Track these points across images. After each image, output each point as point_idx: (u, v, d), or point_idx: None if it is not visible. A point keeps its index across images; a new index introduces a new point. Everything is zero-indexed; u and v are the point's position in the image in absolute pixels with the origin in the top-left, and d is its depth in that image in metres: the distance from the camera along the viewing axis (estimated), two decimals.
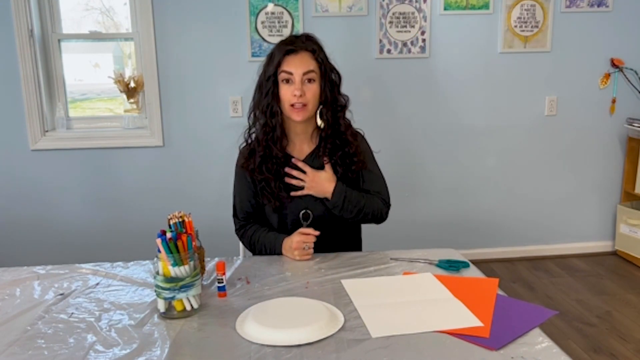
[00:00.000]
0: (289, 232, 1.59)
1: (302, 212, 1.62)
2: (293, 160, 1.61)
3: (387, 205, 1.69)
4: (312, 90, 1.54)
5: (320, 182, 1.58)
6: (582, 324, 2.50)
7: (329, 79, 1.58)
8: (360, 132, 1.71)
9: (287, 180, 1.59)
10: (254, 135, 1.65)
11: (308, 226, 1.59)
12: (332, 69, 1.60)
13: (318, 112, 1.59)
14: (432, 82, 3.10)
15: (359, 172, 1.65)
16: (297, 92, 1.51)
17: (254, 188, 1.64)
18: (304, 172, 1.59)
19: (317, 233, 1.53)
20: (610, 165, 3.31)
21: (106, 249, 3.07)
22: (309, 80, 1.54)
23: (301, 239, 1.52)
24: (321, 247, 1.57)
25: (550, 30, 3.08)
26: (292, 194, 1.60)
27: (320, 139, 1.63)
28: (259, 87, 1.60)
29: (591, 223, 3.37)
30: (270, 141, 1.58)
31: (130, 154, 3.02)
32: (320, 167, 1.61)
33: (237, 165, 1.68)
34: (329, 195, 1.58)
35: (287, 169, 1.59)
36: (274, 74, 1.55)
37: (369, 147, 1.71)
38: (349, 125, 1.65)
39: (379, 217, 1.67)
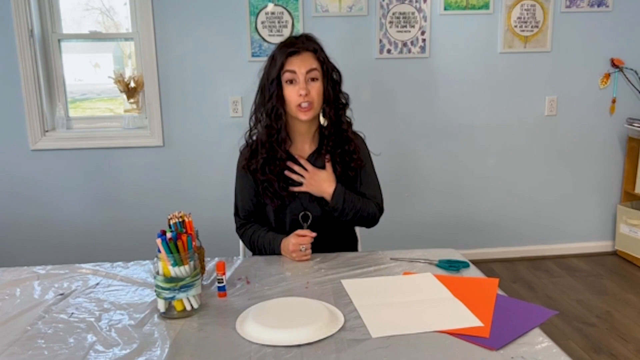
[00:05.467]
0: (287, 233, 1.59)
1: (302, 214, 1.63)
2: (297, 156, 1.62)
3: (381, 210, 1.70)
4: (316, 89, 1.55)
5: (319, 182, 1.59)
6: (582, 324, 2.50)
7: (331, 77, 1.59)
8: (361, 135, 1.72)
9: (287, 173, 1.60)
10: (255, 137, 1.65)
11: (307, 227, 1.60)
12: (333, 68, 1.62)
13: (321, 111, 1.60)
14: (432, 82, 3.10)
15: (357, 170, 1.66)
16: (302, 91, 1.52)
17: (256, 187, 1.65)
18: (305, 169, 1.60)
19: (313, 234, 1.54)
20: (610, 165, 3.31)
21: (106, 249, 3.07)
22: (313, 79, 1.55)
23: (297, 241, 1.53)
24: (318, 247, 1.57)
25: (550, 30, 3.08)
26: (291, 189, 1.61)
27: (322, 138, 1.64)
28: (262, 89, 1.61)
29: (591, 223, 3.37)
30: (274, 143, 1.59)
31: (130, 154, 3.02)
32: (322, 167, 1.62)
33: (238, 166, 1.69)
34: (326, 195, 1.59)
35: (289, 163, 1.61)
36: (277, 76, 1.55)
37: (369, 151, 1.72)
38: (349, 123, 1.66)
39: (372, 221, 1.68)
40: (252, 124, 1.64)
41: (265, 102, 1.58)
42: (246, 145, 1.67)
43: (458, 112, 3.15)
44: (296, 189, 1.61)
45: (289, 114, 1.58)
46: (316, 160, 1.64)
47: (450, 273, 1.43)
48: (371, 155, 1.73)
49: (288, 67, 1.54)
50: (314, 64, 1.55)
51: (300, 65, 1.53)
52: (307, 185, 1.60)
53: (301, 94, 1.52)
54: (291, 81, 1.54)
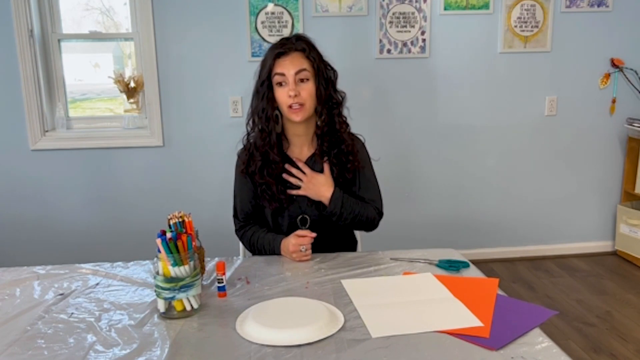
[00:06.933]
0: (286, 234, 1.59)
1: (300, 217, 1.63)
2: (295, 159, 1.62)
3: (380, 214, 1.69)
4: (307, 89, 1.54)
5: (317, 185, 1.59)
6: (582, 324, 2.50)
7: (323, 76, 1.56)
8: (361, 138, 1.71)
9: (285, 176, 1.60)
10: (252, 140, 1.65)
11: (305, 229, 1.59)
12: (327, 66, 1.59)
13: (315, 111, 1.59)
14: (432, 82, 3.10)
15: (355, 172, 1.65)
16: (292, 92, 1.51)
17: (255, 189, 1.65)
18: (303, 172, 1.60)
19: (313, 235, 1.53)
20: (610, 165, 3.31)
21: (106, 249, 3.07)
22: (303, 80, 1.53)
23: (297, 242, 1.52)
24: (317, 249, 1.57)
25: (550, 30, 3.08)
26: (289, 192, 1.61)
27: (317, 138, 1.63)
28: (256, 92, 1.60)
29: (591, 223, 3.38)
30: (267, 146, 1.58)
31: (130, 154, 3.02)
32: (320, 171, 1.61)
33: (236, 169, 1.68)
34: (324, 200, 1.59)
35: (287, 166, 1.60)
36: (267, 78, 1.55)
37: (368, 154, 1.71)
38: (345, 123, 1.64)
39: (371, 225, 1.67)
40: (249, 128, 1.64)
41: (258, 104, 1.58)
42: (243, 148, 1.67)
43: (458, 112, 3.15)
44: (294, 192, 1.60)
45: (284, 116, 1.58)
46: (314, 163, 1.63)
47: (450, 273, 1.43)
48: (371, 159, 1.72)
49: (277, 69, 1.53)
50: (304, 64, 1.53)
51: (289, 67, 1.52)
52: (305, 189, 1.59)
53: (290, 95, 1.51)
54: (281, 83, 1.53)
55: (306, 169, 1.60)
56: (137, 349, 1.07)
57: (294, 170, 1.60)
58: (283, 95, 1.53)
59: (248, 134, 1.65)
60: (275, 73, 1.53)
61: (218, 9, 2.91)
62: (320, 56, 1.58)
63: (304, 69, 1.53)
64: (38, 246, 3.06)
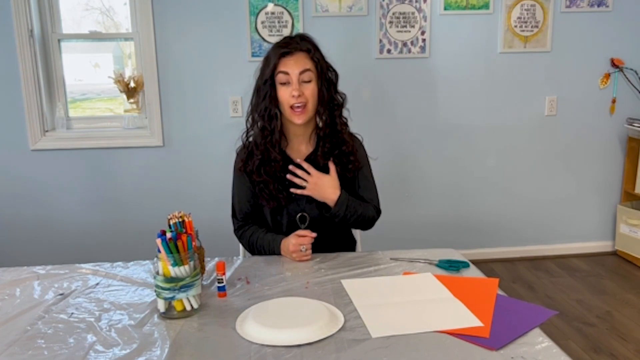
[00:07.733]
0: (285, 234, 1.59)
1: (299, 215, 1.62)
2: (298, 160, 1.61)
3: (378, 213, 1.70)
4: (310, 90, 1.54)
5: (323, 187, 1.57)
6: (582, 324, 2.50)
7: (325, 77, 1.57)
8: (359, 137, 1.71)
9: (290, 177, 1.59)
10: (251, 138, 1.64)
11: (305, 228, 1.59)
12: (329, 68, 1.60)
13: (316, 112, 1.59)
14: (432, 82, 3.10)
15: (355, 172, 1.65)
16: (295, 92, 1.51)
17: (253, 189, 1.64)
18: (308, 172, 1.58)
19: (314, 235, 1.53)
20: (610, 165, 3.31)
21: (106, 249, 3.07)
22: (306, 81, 1.54)
23: (298, 242, 1.52)
24: (316, 248, 1.57)
25: (550, 30, 3.08)
26: (292, 191, 1.59)
27: (318, 139, 1.63)
28: (257, 90, 1.60)
29: (591, 223, 3.38)
30: (268, 144, 1.58)
31: (130, 154, 3.02)
32: (320, 169, 1.61)
33: (235, 167, 1.68)
34: (329, 202, 1.58)
35: (291, 167, 1.59)
36: (270, 77, 1.55)
37: (366, 153, 1.71)
38: (345, 124, 1.64)
39: (370, 223, 1.68)
40: (248, 125, 1.64)
41: (260, 102, 1.58)
42: (242, 146, 1.67)
43: (458, 112, 3.15)
44: (298, 191, 1.59)
45: (284, 116, 1.58)
46: (312, 162, 1.62)
47: (450, 273, 1.43)
48: (369, 158, 1.72)
49: (281, 68, 1.53)
50: (308, 65, 1.53)
51: (294, 67, 1.52)
52: (310, 190, 1.58)
53: (294, 95, 1.51)
54: (284, 83, 1.54)
55: (311, 170, 1.58)
56: (137, 349, 1.07)
57: (299, 172, 1.58)
58: (286, 95, 1.53)
59: (247, 131, 1.65)
60: (279, 72, 1.53)
61: (218, 9, 2.91)
62: (323, 57, 1.59)
63: (308, 70, 1.53)
64: (38, 246, 3.06)
